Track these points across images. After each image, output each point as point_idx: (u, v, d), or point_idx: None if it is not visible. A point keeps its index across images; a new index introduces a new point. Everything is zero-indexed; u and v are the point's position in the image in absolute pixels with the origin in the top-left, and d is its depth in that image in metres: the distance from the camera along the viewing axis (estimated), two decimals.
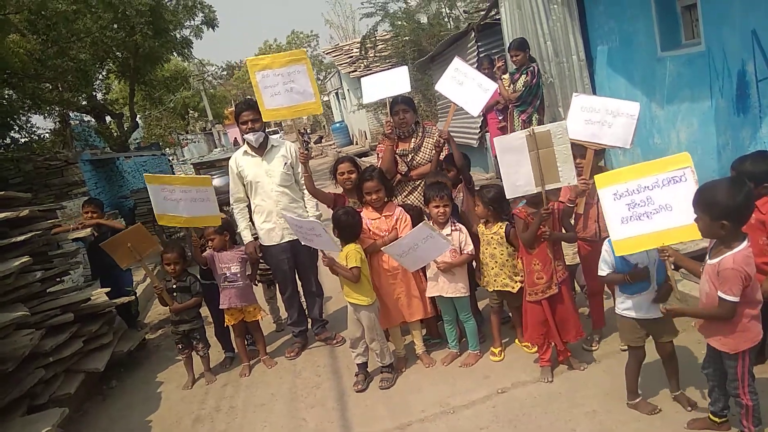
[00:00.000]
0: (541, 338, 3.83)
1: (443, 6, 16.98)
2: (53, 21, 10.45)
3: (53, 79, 11.14)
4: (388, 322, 4.38)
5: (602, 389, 3.60)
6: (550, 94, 7.60)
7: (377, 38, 18.81)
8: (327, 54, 30.18)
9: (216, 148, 34.47)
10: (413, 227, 4.02)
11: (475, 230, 4.23)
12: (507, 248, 4.02)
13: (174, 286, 4.82)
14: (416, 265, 4.11)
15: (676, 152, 5.71)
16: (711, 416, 2.99)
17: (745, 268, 2.53)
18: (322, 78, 42.33)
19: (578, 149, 3.80)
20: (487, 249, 4.11)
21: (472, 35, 10.77)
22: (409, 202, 4.64)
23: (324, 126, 41.68)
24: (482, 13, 11.41)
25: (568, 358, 3.90)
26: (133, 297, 6.25)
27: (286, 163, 4.88)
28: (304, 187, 4.80)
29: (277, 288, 5.47)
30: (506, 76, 7.23)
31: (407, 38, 17.21)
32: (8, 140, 11.08)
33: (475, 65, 9.78)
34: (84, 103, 14.48)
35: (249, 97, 4.57)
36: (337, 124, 30.57)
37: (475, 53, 10.55)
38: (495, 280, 4.10)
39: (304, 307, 5.29)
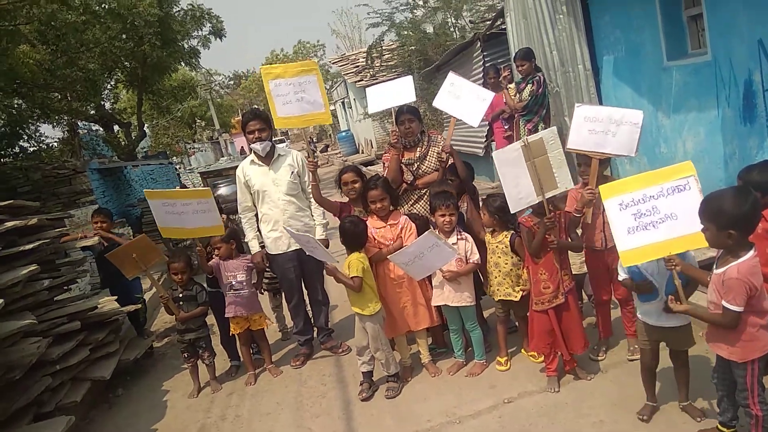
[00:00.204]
0: (547, 348, 3.82)
1: (449, 16, 17.04)
2: (63, 31, 10.56)
3: (62, 88, 11.24)
4: (394, 331, 4.38)
5: (609, 399, 3.58)
6: (556, 103, 7.60)
7: (383, 48, 18.89)
8: (333, 64, 30.30)
9: (223, 157, 34.57)
10: (419, 236, 4.03)
11: (481, 238, 4.23)
12: (512, 257, 4.02)
13: (180, 295, 4.84)
14: (422, 274, 4.11)
15: (683, 161, 5.71)
16: (719, 426, 2.97)
17: (750, 279, 2.52)
18: (328, 87, 42.50)
19: (583, 158, 3.81)
20: (492, 258, 4.11)
21: (478, 45, 10.80)
22: (414, 211, 4.65)
23: (330, 135, 41.80)
24: (488, 23, 11.45)
25: (574, 368, 3.88)
26: (141, 305, 6.28)
27: (292, 172, 4.90)
28: (311, 195, 4.82)
29: (283, 296, 5.47)
30: (512, 85, 7.24)
31: (413, 48, 17.26)
32: (17, 149, 11.18)
33: (481, 75, 9.83)
34: (92, 112, 14.59)
35: (255, 106, 4.60)
36: (343, 133, 30.66)
37: (481, 63, 10.59)
38: (498, 290, 4.10)
39: (310, 315, 5.29)
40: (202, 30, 15.27)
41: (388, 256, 4.09)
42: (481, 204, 4.32)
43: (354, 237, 4.11)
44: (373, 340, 4.15)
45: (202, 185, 15.50)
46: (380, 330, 4.15)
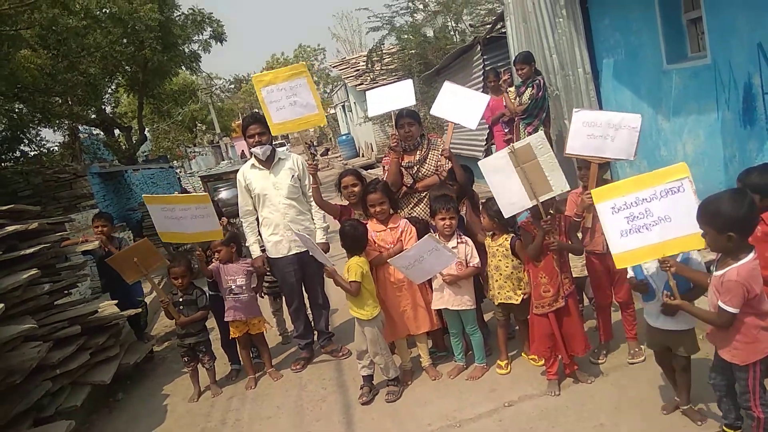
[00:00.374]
0: (548, 351, 3.82)
1: (449, 20, 17.07)
2: (64, 36, 10.57)
3: (63, 93, 11.26)
4: (394, 334, 4.38)
5: (610, 402, 3.57)
6: (556, 106, 7.61)
7: (383, 52, 18.93)
8: (334, 67, 30.39)
9: (223, 160, 34.62)
10: (419, 240, 4.03)
11: (480, 241, 4.23)
12: (512, 261, 4.02)
13: (180, 300, 4.84)
14: (422, 278, 4.11)
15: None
16: (725, 428, 2.96)
17: (750, 281, 2.53)
18: (329, 91, 42.55)
19: (583, 162, 3.82)
20: (492, 261, 4.11)
21: (478, 48, 10.82)
22: (414, 214, 4.65)
23: (330, 138, 41.87)
24: (488, 26, 11.49)
25: (574, 372, 3.88)
26: (142, 309, 6.28)
27: (293, 176, 4.91)
28: (312, 199, 4.83)
29: (283, 300, 5.47)
30: (512, 89, 7.25)
31: (413, 52, 17.29)
32: (18, 153, 11.19)
33: (481, 78, 9.84)
34: (93, 116, 14.62)
35: (256, 110, 4.61)
36: (344, 137, 30.72)
37: (481, 66, 10.60)
38: (499, 293, 4.09)
39: (311, 319, 5.29)
40: (202, 34, 15.30)
41: (388, 260, 4.09)
42: (480, 207, 4.32)
43: (354, 241, 4.11)
44: (371, 344, 4.14)
45: (202, 189, 15.54)
46: (379, 334, 4.14)
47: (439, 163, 4.61)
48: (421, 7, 18.04)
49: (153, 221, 4.64)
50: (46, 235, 5.32)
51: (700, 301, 3.03)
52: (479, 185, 5.01)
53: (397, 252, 4.13)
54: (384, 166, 4.85)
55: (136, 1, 12.04)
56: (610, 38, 6.66)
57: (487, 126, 8.69)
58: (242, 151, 35.68)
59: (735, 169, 4.80)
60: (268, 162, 4.91)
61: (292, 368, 5.08)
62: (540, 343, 3.82)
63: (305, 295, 5.21)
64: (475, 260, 4.12)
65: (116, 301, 5.58)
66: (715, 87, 5.12)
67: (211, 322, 5.17)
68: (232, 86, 51.31)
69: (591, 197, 3.58)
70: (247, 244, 5.11)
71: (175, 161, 27.97)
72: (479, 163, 3.77)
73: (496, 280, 4.09)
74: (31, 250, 4.81)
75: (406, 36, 17.69)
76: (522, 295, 4.00)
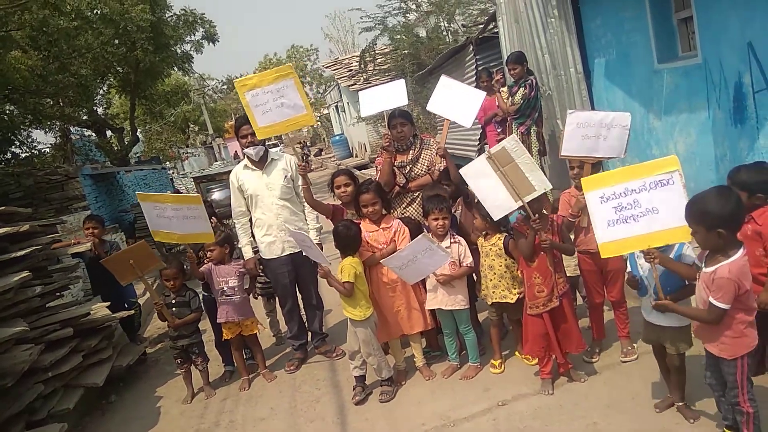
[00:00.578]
0: (541, 351, 3.82)
1: (442, 20, 17.08)
2: (55, 37, 10.51)
3: (54, 94, 11.19)
4: (388, 334, 4.38)
5: (603, 401, 3.59)
6: (548, 106, 7.62)
7: (376, 52, 18.91)
8: (327, 68, 30.37)
9: (216, 161, 34.51)
10: (412, 240, 4.03)
11: (474, 241, 4.23)
12: (505, 260, 4.02)
13: (173, 301, 4.82)
14: (415, 278, 4.11)
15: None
16: (726, 430, 2.96)
17: (740, 278, 2.56)
18: (322, 91, 42.51)
19: (576, 162, 3.85)
20: (485, 261, 4.11)
21: (471, 48, 10.84)
22: (407, 213, 4.65)
23: (324, 139, 41.82)
24: (480, 26, 11.49)
25: (568, 371, 3.89)
26: (135, 310, 6.25)
27: (286, 176, 4.90)
28: (304, 199, 4.82)
29: (277, 301, 5.46)
30: (505, 89, 7.26)
31: (406, 52, 17.29)
32: (9, 155, 11.13)
33: (474, 78, 9.85)
34: (85, 117, 14.54)
35: None
36: (337, 137, 30.69)
37: (474, 66, 10.62)
38: (494, 292, 4.10)
39: (304, 320, 5.28)
40: (194, 35, 15.27)
41: (381, 261, 4.09)
42: (473, 208, 4.32)
43: (347, 241, 4.11)
44: (364, 345, 4.14)
45: (195, 190, 15.49)
46: (372, 335, 4.14)
47: (433, 161, 4.61)
48: (413, 7, 18.05)
49: (146, 219, 4.62)
50: (38, 237, 5.29)
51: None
52: None
53: (391, 252, 4.13)
54: (377, 166, 4.85)
55: (128, 2, 11.99)
56: (602, 38, 6.68)
57: (479, 126, 8.69)
58: (235, 151, 35.58)
59: (726, 168, 4.82)
60: (261, 162, 4.90)
61: (285, 369, 5.07)
62: (534, 343, 3.83)
63: (299, 295, 5.20)
64: (468, 260, 4.12)
65: (108, 303, 5.55)
66: (705, 86, 5.15)
67: (204, 324, 5.15)
68: (225, 87, 51.04)
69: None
70: (239, 246, 5.10)
71: (167, 162, 27.87)
72: (461, 171, 3.79)
73: (490, 280, 4.09)
74: (23, 252, 4.78)
75: (398, 36, 17.68)
76: (517, 295, 4.01)
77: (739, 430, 2.84)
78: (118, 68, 14.14)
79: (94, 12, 11.87)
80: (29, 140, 11.83)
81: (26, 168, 10.49)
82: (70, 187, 10.28)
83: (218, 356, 5.32)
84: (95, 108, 15.18)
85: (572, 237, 3.97)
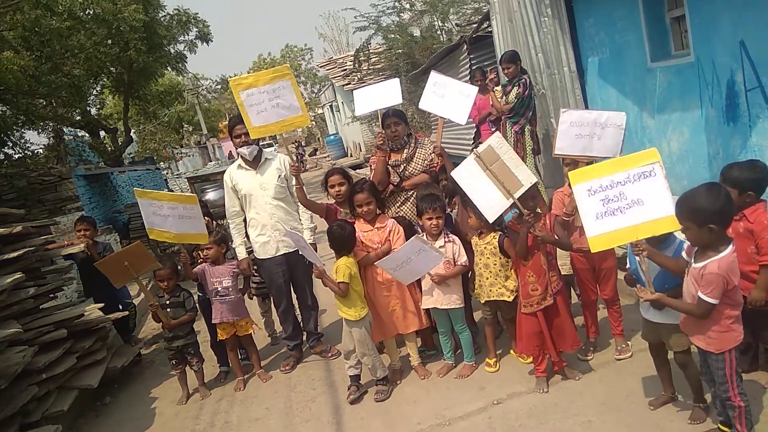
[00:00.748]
0: (536, 349, 3.83)
1: (436, 19, 17.09)
2: (47, 38, 10.45)
3: (47, 94, 11.13)
4: (383, 334, 4.38)
5: (598, 399, 3.60)
6: (542, 105, 7.64)
7: (371, 51, 18.90)
8: (321, 67, 30.34)
9: (210, 161, 34.46)
10: (406, 239, 4.03)
11: (468, 240, 4.23)
12: (500, 258, 4.03)
13: (167, 302, 4.81)
14: (410, 279, 4.12)
15: (668, 162, 5.76)
16: (721, 426, 2.98)
17: (729, 273, 2.59)
18: (316, 91, 42.42)
19: (570, 161, 3.85)
20: (480, 259, 4.11)
21: (465, 48, 10.86)
22: (401, 213, 4.65)
23: (319, 138, 41.77)
24: (474, 26, 11.50)
25: (563, 369, 3.90)
26: (130, 311, 6.23)
27: (280, 176, 4.89)
28: (297, 199, 4.82)
29: (272, 301, 5.45)
30: (498, 88, 7.26)
31: (400, 51, 17.30)
32: (2, 156, 11.06)
33: (468, 77, 9.85)
34: (78, 118, 14.48)
35: None
36: (332, 137, 30.68)
37: (468, 65, 10.64)
38: (490, 290, 4.09)
39: (299, 320, 5.28)
40: (188, 34, 15.23)
41: (376, 263, 4.09)
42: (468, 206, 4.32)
43: (342, 241, 4.11)
44: (359, 344, 4.14)
45: (189, 190, 15.45)
46: (366, 335, 4.14)
47: (428, 159, 4.61)
48: (407, 6, 18.04)
49: (142, 216, 4.61)
50: (31, 239, 5.27)
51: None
52: None
53: (385, 252, 4.13)
54: (371, 166, 4.85)
55: (120, 2, 11.93)
56: (595, 37, 6.70)
57: (474, 125, 8.70)
58: (230, 151, 35.50)
59: (719, 166, 4.85)
60: (255, 162, 4.89)
61: (281, 369, 5.07)
62: (528, 342, 3.84)
63: (294, 295, 5.19)
64: (463, 258, 4.12)
65: (102, 305, 5.53)
66: (698, 84, 5.17)
67: (199, 324, 5.14)
68: (219, 87, 50.94)
69: None
70: (233, 246, 5.09)
71: (161, 163, 27.81)
72: (452, 173, 3.79)
73: (486, 278, 4.09)
74: (16, 253, 4.76)
75: (393, 35, 17.68)
76: (514, 292, 4.01)
77: (732, 426, 2.85)
78: (112, 68, 14.08)
79: (87, 12, 11.81)
80: (22, 141, 11.77)
81: (19, 169, 10.43)
82: (64, 188, 10.23)
83: (213, 357, 5.31)
84: (88, 108, 15.12)
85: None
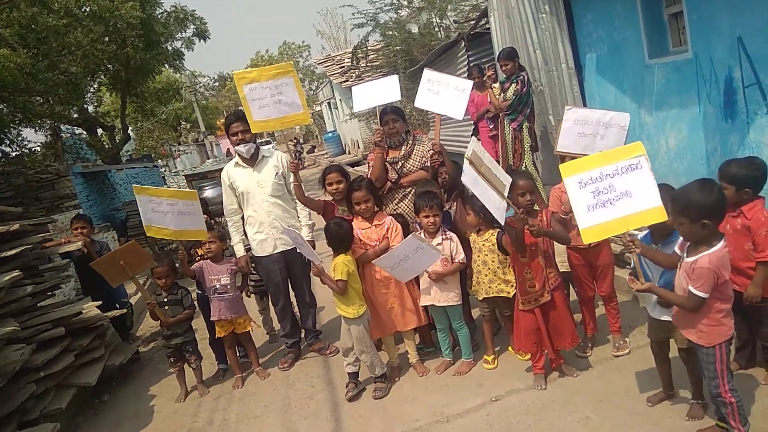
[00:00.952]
0: (533, 346, 3.83)
1: (434, 16, 17.08)
2: (44, 35, 10.42)
3: (44, 92, 11.10)
4: (382, 331, 4.38)
5: (596, 396, 3.60)
6: (540, 102, 7.63)
7: (369, 48, 18.89)
8: (319, 64, 30.28)
9: (208, 159, 34.43)
10: (404, 236, 4.03)
11: (467, 237, 4.23)
12: (498, 255, 4.03)
13: (165, 300, 4.80)
14: (408, 276, 4.12)
15: (666, 158, 5.77)
16: (718, 423, 2.98)
17: (720, 268, 2.62)
18: (314, 88, 42.35)
19: (570, 158, 3.84)
20: (479, 256, 4.11)
21: (463, 45, 10.84)
22: (399, 210, 4.65)
23: (317, 136, 41.72)
24: (472, 22, 11.49)
25: (560, 366, 3.90)
26: (127, 309, 6.22)
27: (277, 173, 4.88)
28: (295, 196, 4.81)
29: (269, 299, 5.45)
30: (496, 85, 7.26)
31: (398, 48, 17.30)
32: None
33: (466, 74, 9.85)
34: (75, 115, 14.43)
35: (240, 108, 4.58)
36: (330, 134, 30.63)
37: (466, 62, 10.63)
38: (490, 287, 4.09)
39: (298, 317, 5.28)
40: (185, 32, 15.17)
41: (373, 261, 4.08)
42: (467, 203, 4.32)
43: (339, 238, 4.11)
44: (357, 342, 4.14)
45: (187, 188, 15.42)
46: (365, 332, 4.14)
47: (426, 156, 4.60)
48: (405, 3, 18.04)
49: (140, 213, 4.58)
50: (28, 237, 5.26)
51: None
52: None
53: (384, 249, 4.13)
54: (369, 163, 4.84)
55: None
56: (593, 33, 6.69)
57: (472, 122, 8.70)
58: (227, 149, 35.41)
59: (717, 162, 4.84)
60: (252, 160, 4.88)
61: (279, 367, 5.07)
62: (526, 339, 3.83)
63: (292, 293, 5.19)
64: (460, 256, 4.12)
65: (99, 303, 5.52)
66: (696, 81, 5.17)
67: (197, 322, 5.14)
68: (217, 84, 50.94)
69: None
70: (231, 243, 5.08)
71: (159, 160, 27.76)
72: (462, 179, 3.78)
73: (485, 275, 4.09)
74: (13, 251, 4.75)
75: (390, 32, 17.68)
76: (514, 288, 3.99)
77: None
78: (109, 66, 14.03)
79: (83, 9, 11.78)
80: (19, 139, 11.74)
81: (16, 167, 10.40)
82: (61, 185, 10.20)
83: (212, 354, 5.31)
84: (86, 106, 15.08)
85: None
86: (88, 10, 11.74)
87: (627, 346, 4.03)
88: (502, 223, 3.65)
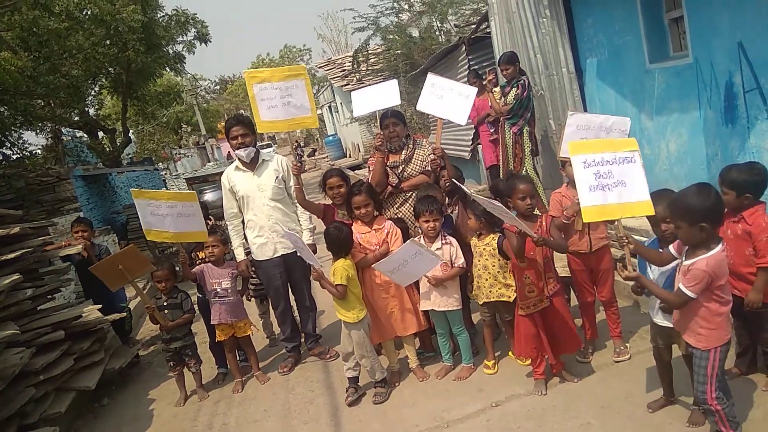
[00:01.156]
0: (534, 351, 3.82)
1: (434, 20, 17.09)
2: (45, 38, 10.43)
3: (45, 95, 11.11)
4: (382, 336, 4.37)
5: (596, 401, 3.59)
6: (541, 106, 7.63)
7: (369, 52, 18.90)
8: (320, 68, 30.32)
9: (209, 162, 34.37)
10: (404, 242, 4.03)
11: (468, 242, 4.23)
12: (499, 260, 4.02)
13: (165, 303, 4.79)
14: (407, 281, 4.11)
15: (666, 163, 5.77)
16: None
17: (716, 271, 2.64)
18: (315, 92, 42.33)
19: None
20: (479, 261, 4.10)
21: (463, 49, 10.85)
22: (400, 214, 4.65)
23: (317, 139, 41.75)
24: (473, 26, 11.50)
25: (561, 371, 3.89)
26: (126, 313, 6.21)
27: (277, 177, 4.88)
28: (296, 199, 4.81)
29: (269, 303, 5.44)
30: (497, 89, 7.26)
31: (399, 52, 17.30)
32: (0, 157, 11.04)
33: (465, 79, 9.86)
34: (76, 118, 14.44)
35: (241, 111, 4.58)
36: (330, 137, 30.65)
37: (466, 66, 10.62)
38: (491, 292, 4.08)
39: (298, 321, 5.27)
40: (187, 35, 15.17)
41: (373, 266, 4.08)
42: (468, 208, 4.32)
43: (339, 243, 4.10)
44: (357, 347, 4.14)
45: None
46: (365, 337, 4.13)
47: (426, 160, 4.60)
48: (406, 7, 18.05)
49: (139, 217, 4.57)
50: (29, 240, 5.25)
51: None
52: (467, 185, 5.03)
53: (383, 253, 4.13)
54: (369, 167, 4.84)
55: (119, 3, 11.91)
56: (594, 38, 6.70)
57: (473, 126, 8.71)
58: (228, 152, 35.40)
59: (717, 167, 4.84)
60: (253, 164, 4.88)
61: (279, 371, 5.06)
62: (526, 344, 3.83)
63: (292, 297, 5.18)
64: (460, 261, 4.12)
65: (100, 306, 5.51)
66: (697, 86, 5.17)
67: (196, 326, 5.13)
68: (218, 87, 51.04)
69: None
70: (232, 247, 5.08)
71: (160, 163, 27.74)
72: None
73: (486, 280, 4.08)
74: (13, 254, 4.75)
75: (391, 36, 17.68)
76: (515, 292, 3.99)
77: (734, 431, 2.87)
78: (110, 69, 14.03)
79: (85, 13, 11.79)
80: (20, 141, 11.75)
81: (17, 170, 10.39)
82: (62, 188, 10.19)
83: (211, 358, 5.30)
84: (87, 109, 15.09)
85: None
86: (89, 13, 11.76)
87: (628, 352, 4.03)
88: (521, 229, 3.62)
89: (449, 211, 4.56)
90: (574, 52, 7.00)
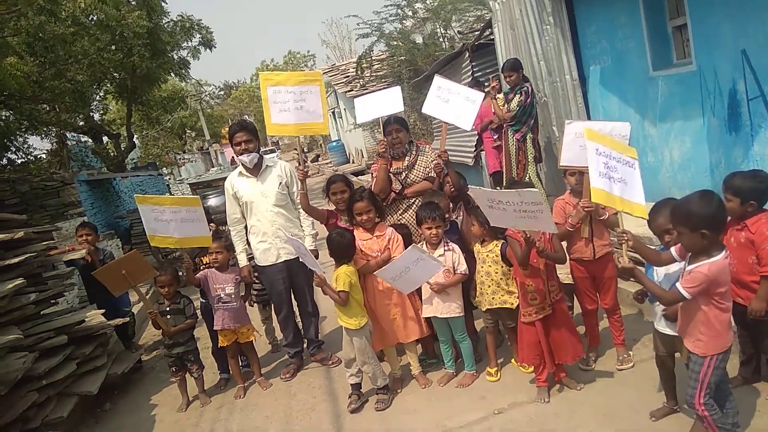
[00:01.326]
0: (536, 359, 3.81)
1: (438, 26, 17.14)
2: (51, 43, 10.49)
3: (51, 100, 11.18)
4: (384, 342, 4.37)
5: (599, 409, 3.58)
6: (544, 113, 7.64)
7: (373, 58, 18.97)
8: (324, 74, 30.35)
9: (213, 167, 34.48)
10: (406, 248, 4.03)
11: (471, 249, 4.22)
12: (502, 266, 4.01)
13: (168, 309, 4.80)
14: (409, 288, 4.10)
15: (669, 170, 5.76)
16: None
17: (718, 278, 2.64)
18: None
19: (575, 171, 3.85)
20: (482, 267, 4.09)
21: (467, 55, 10.87)
22: (403, 220, 4.65)
23: (321, 144, 41.81)
24: (476, 33, 11.53)
25: (564, 379, 3.88)
26: (129, 318, 6.21)
27: (281, 183, 4.88)
28: (300, 205, 4.81)
29: (272, 308, 5.44)
30: (500, 96, 7.27)
31: (403, 58, 17.36)
32: (5, 161, 11.10)
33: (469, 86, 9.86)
34: (81, 123, 14.51)
35: (245, 117, 4.60)
36: (334, 143, 30.68)
37: (470, 73, 10.64)
38: (493, 298, 4.07)
39: (300, 327, 5.27)
40: (191, 41, 15.25)
41: (375, 272, 4.07)
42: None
43: (341, 249, 4.10)
44: (359, 353, 4.13)
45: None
46: (367, 344, 4.13)
47: (429, 167, 4.60)
48: (410, 14, 18.11)
49: (143, 223, 4.57)
50: (33, 244, 5.27)
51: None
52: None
53: (385, 260, 4.12)
54: (372, 173, 4.84)
55: (124, 8, 11.99)
56: (597, 45, 6.70)
57: (476, 133, 8.71)
58: (232, 157, 35.48)
59: (721, 175, 4.83)
60: (256, 169, 4.89)
61: (281, 377, 5.05)
62: (528, 351, 3.82)
63: (294, 303, 5.18)
64: (462, 267, 4.11)
65: (103, 311, 5.52)
66: (700, 93, 5.17)
67: (199, 331, 5.13)
68: (222, 93, 51.19)
69: (589, 206, 3.62)
70: (235, 253, 5.08)
71: (164, 168, 27.77)
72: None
73: (488, 286, 4.07)
74: (17, 259, 4.76)
75: (395, 42, 17.75)
76: (518, 299, 3.98)
77: None
78: (115, 74, 14.10)
79: (90, 18, 11.86)
80: (25, 146, 11.82)
81: (22, 174, 10.44)
82: (66, 193, 10.22)
83: (213, 364, 5.30)
84: (92, 114, 15.16)
85: (565, 245, 3.96)
86: (95, 18, 11.84)
87: (631, 360, 4.01)
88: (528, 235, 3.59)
89: (454, 216, 4.56)
90: (578, 59, 7.01)
